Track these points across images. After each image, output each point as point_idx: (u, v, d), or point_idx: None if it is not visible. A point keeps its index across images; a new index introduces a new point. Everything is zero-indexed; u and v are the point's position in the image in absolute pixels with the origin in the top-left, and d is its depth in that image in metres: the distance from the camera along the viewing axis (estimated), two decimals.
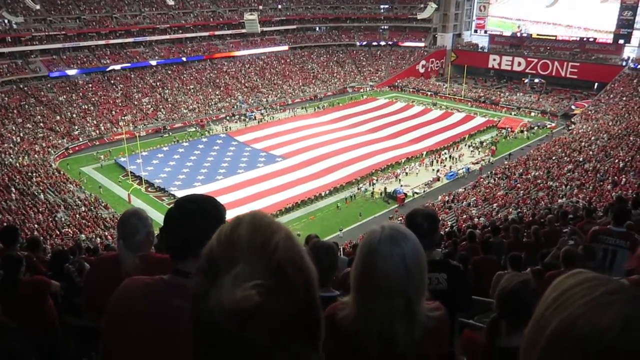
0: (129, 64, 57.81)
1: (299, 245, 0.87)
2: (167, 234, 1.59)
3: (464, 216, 28.86)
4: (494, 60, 68.39)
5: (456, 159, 43.52)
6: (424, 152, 44.68)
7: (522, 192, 30.84)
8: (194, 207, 1.57)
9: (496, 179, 35.97)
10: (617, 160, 30.09)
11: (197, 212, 1.54)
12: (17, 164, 35.96)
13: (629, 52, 58.65)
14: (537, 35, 66.10)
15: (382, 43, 75.98)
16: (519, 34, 67.97)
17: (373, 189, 37.79)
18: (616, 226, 5.07)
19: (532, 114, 55.77)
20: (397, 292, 1.35)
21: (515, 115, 55.71)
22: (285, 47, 71.70)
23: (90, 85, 53.91)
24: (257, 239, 0.82)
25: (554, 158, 35.98)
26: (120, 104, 52.91)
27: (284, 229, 0.87)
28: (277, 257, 0.80)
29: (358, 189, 37.98)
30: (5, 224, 22.86)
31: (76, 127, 47.35)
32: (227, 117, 55.25)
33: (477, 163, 42.29)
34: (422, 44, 73.66)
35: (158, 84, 57.73)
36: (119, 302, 1.57)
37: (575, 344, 0.67)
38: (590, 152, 34.21)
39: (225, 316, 0.73)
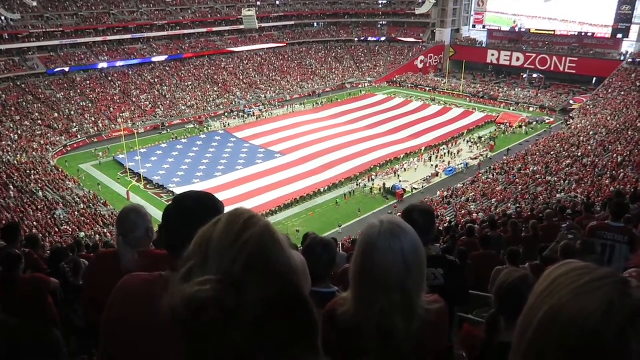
0: (126, 61, 57.66)
1: (276, 239, 0.87)
2: (165, 231, 1.58)
3: (463, 211, 28.90)
4: (493, 55, 68.31)
5: (455, 154, 43.53)
6: (423, 148, 44.68)
7: (520, 187, 30.88)
8: (192, 204, 1.56)
9: (495, 174, 36.00)
10: (615, 155, 30.13)
11: (195, 209, 1.54)
12: (16, 162, 35.92)
13: (627, 46, 58.58)
14: (536, 30, 66.04)
15: (381, 39, 75.84)
16: (516, 29, 67.89)
17: (372, 184, 37.82)
18: (614, 221, 5.07)
19: (531, 109, 55.79)
20: (396, 286, 1.35)
21: (513, 110, 55.75)
22: (284, 43, 71.54)
23: (88, 82, 53.76)
24: (229, 236, 0.84)
25: (552, 153, 36.01)
26: (118, 101, 52.80)
27: (262, 224, 0.87)
28: (247, 252, 0.81)
29: (357, 184, 38.00)
30: (3, 221, 22.85)
31: (74, 124, 47.26)
32: (226, 114, 55.16)
33: (475, 158, 42.31)
34: (420, 40, 73.54)
35: (156, 80, 57.60)
36: (119, 299, 1.57)
37: (561, 330, 0.68)
38: (589, 147, 34.26)
39: (179, 309, 0.76)
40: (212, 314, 0.75)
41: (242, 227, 0.85)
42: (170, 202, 1.66)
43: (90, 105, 50.79)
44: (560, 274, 0.75)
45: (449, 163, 41.51)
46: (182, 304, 0.76)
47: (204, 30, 65.06)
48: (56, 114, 47.75)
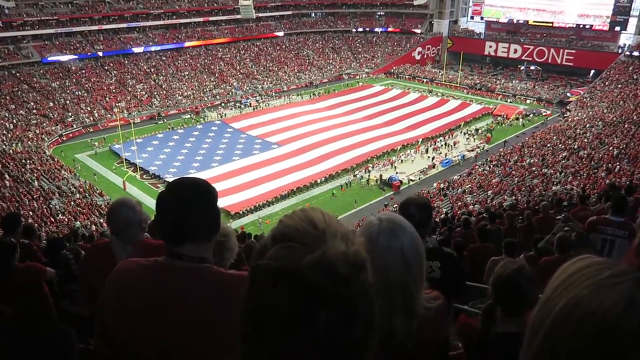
0: (122, 50, 57.22)
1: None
2: (161, 221, 1.57)
3: (459, 203, 28.96)
4: (490, 47, 68.15)
5: (451, 146, 43.56)
6: (420, 140, 44.67)
7: (516, 179, 30.97)
8: (186, 194, 1.54)
9: (491, 166, 36.07)
10: (611, 148, 30.23)
11: (190, 200, 1.52)
12: (11, 151, 35.71)
13: (625, 39, 58.53)
14: (534, 22, 65.89)
15: (378, 29, 75.49)
16: (514, 21, 67.75)
17: (368, 176, 37.82)
18: (614, 216, 5.05)
19: (528, 101, 55.79)
20: (397, 286, 1.33)
21: (510, 102, 55.74)
22: (281, 33, 71.14)
23: (83, 71, 53.37)
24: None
25: (548, 145, 36.07)
26: (114, 91, 52.47)
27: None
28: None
29: (354, 176, 38.01)
30: None
31: (70, 114, 46.98)
32: (222, 104, 54.93)
33: (472, 150, 42.35)
34: (418, 31, 73.25)
35: (152, 70, 57.22)
36: (115, 283, 1.58)
37: (578, 324, 0.67)
38: (585, 140, 34.33)
39: (338, 264, 0.74)
40: (366, 278, 0.75)
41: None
42: (163, 190, 1.63)
43: (85, 94, 50.47)
44: (578, 267, 0.74)
45: (445, 155, 41.55)
46: (344, 258, 0.74)
47: (201, 19, 64.54)
48: (51, 103, 47.43)
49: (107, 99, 50.89)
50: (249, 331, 0.78)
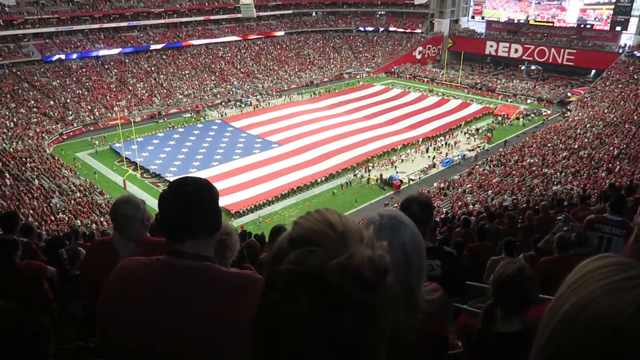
0: (123, 49, 57.21)
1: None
2: (163, 217, 1.57)
3: (459, 203, 28.96)
4: (491, 46, 68.08)
5: (452, 145, 43.53)
6: (420, 139, 44.65)
7: (517, 179, 30.97)
8: (190, 189, 1.56)
9: (491, 166, 36.07)
10: (611, 148, 30.24)
11: (193, 195, 1.54)
12: (11, 149, 35.73)
13: (625, 39, 58.47)
14: (534, 21, 65.84)
15: (379, 29, 75.44)
16: (515, 21, 67.70)
17: (369, 175, 37.82)
18: (613, 215, 5.06)
19: (529, 101, 55.76)
20: (399, 282, 1.33)
21: (511, 102, 55.71)
22: (282, 32, 71.12)
23: (84, 69, 53.36)
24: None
25: (549, 145, 36.08)
26: (114, 89, 52.46)
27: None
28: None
29: (354, 175, 38.00)
30: None
31: (70, 112, 46.97)
32: (223, 103, 54.94)
33: (472, 150, 42.33)
34: (419, 30, 73.21)
35: (153, 69, 57.22)
36: (116, 283, 1.58)
37: (587, 323, 0.66)
38: (586, 140, 34.33)
39: (368, 269, 0.73)
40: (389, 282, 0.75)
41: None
42: (165, 189, 1.64)
43: (86, 93, 50.45)
44: (594, 267, 0.73)
45: (446, 154, 41.54)
46: (370, 263, 0.73)
47: (202, 18, 64.53)
48: (52, 102, 47.43)
49: (108, 97, 50.88)
50: (264, 337, 0.75)
